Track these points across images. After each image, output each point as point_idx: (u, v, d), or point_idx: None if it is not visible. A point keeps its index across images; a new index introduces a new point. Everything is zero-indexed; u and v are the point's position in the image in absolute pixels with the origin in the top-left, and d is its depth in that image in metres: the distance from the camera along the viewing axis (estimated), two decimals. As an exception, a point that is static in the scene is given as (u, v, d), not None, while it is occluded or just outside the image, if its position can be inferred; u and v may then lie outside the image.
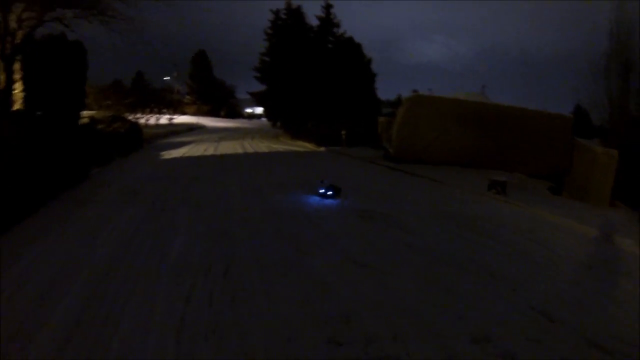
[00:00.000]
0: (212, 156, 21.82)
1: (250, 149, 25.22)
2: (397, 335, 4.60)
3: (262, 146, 27.14)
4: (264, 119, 58.32)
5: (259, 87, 38.03)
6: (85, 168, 15.88)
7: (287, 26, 35.77)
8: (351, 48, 34.56)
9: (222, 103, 76.71)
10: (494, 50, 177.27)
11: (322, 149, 25.07)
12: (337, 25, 35.67)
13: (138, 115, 45.08)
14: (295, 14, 36.13)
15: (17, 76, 18.66)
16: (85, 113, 28.09)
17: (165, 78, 67.96)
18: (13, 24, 18.60)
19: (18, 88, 18.70)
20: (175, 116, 53.99)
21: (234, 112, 77.33)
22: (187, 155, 22.45)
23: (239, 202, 10.99)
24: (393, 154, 19.01)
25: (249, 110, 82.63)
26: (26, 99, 17.89)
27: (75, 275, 6.05)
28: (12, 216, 9.00)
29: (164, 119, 50.91)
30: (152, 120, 48.72)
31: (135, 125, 28.56)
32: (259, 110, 71.96)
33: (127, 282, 5.90)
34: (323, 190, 11.52)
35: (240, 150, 24.49)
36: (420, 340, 4.56)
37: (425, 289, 5.93)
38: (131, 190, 12.63)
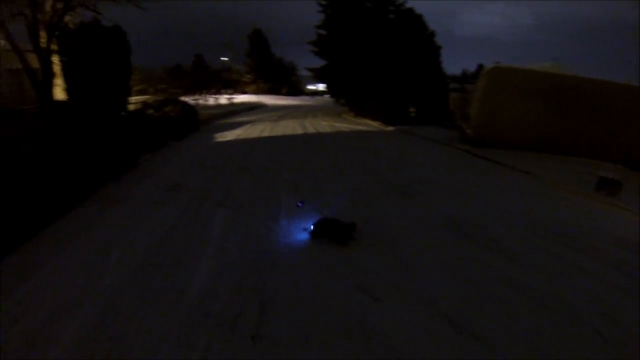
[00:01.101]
0: (269, 138, 20.05)
1: (310, 129, 23.29)
2: None
3: (324, 125, 25.13)
4: (326, 96, 56.80)
5: (319, 63, 35.88)
6: (133, 156, 14.90)
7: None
8: (412, 19, 31.94)
9: (283, 80, 75.27)
10: (554, 19, 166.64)
11: (390, 128, 22.77)
12: None
13: (195, 97, 44.85)
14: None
15: (57, 67, 18.38)
16: (137, 98, 27.38)
17: (222, 59, 66.91)
18: (46, 16, 18.35)
19: (59, 79, 18.44)
20: (235, 96, 53.03)
21: (296, 89, 75.74)
22: (241, 137, 20.79)
23: (288, 203, 9.03)
24: (471, 135, 16.52)
25: (311, 87, 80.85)
26: (67, 89, 17.46)
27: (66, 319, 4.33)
28: (39, 219, 7.91)
29: (223, 99, 50.21)
30: (212, 100, 48.21)
31: (189, 107, 27.30)
32: (322, 86, 70.48)
33: (121, 337, 4.12)
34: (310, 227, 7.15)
35: (299, 131, 22.59)
36: None
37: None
38: (171, 184, 11.11)
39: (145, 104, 23.96)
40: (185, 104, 27.37)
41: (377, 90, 29.80)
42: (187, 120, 23.93)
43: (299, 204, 8.70)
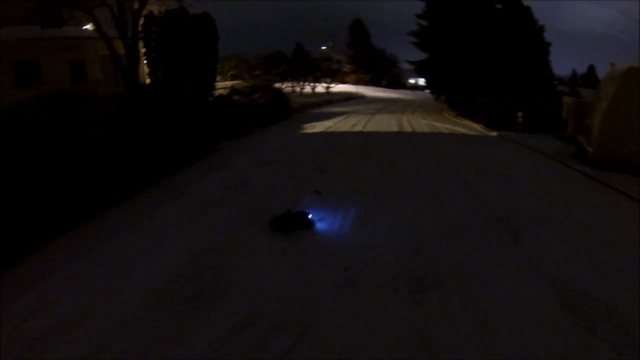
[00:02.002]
0: (359, 134, 18.55)
1: (407, 127, 21.49)
2: None
3: (422, 124, 23.20)
4: (427, 91, 54.88)
5: (421, 56, 33.70)
6: (212, 143, 14.55)
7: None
8: (520, 11, 29.09)
9: (384, 72, 73.46)
10: None
11: (493, 133, 20.42)
12: None
13: (292, 84, 44.25)
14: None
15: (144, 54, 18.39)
16: (227, 84, 26.97)
17: (322, 48, 66.16)
18: (134, 3, 18.60)
19: (145, 65, 18.52)
20: (333, 85, 52.19)
21: (396, 82, 73.56)
22: (330, 130, 19.48)
23: (365, 224, 7.49)
24: (592, 154, 13.99)
25: (412, 80, 78.39)
26: (152, 74, 17.66)
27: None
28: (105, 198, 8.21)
29: (321, 88, 49.42)
30: (309, 88, 47.45)
31: (280, 94, 26.55)
32: (422, 81, 68.32)
33: None
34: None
35: (394, 128, 20.87)
36: None
37: None
38: (238, 181, 10.19)
39: (233, 90, 23.38)
40: (276, 90, 26.58)
41: (481, 89, 27.43)
42: (276, 107, 23.42)
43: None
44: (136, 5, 18.25)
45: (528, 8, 29.32)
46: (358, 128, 20.34)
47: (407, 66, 56.78)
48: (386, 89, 65.10)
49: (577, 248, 6.64)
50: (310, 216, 7.37)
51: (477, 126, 22.84)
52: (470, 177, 10.77)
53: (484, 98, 25.13)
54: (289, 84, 44.65)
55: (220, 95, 21.82)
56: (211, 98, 18.85)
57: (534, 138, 18.52)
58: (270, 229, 7.00)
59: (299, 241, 6.52)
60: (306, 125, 21.13)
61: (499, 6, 29.66)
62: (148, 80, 18.94)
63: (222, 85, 26.48)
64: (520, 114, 20.74)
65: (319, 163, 12.05)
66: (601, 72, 67.98)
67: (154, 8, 18.27)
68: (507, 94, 25.34)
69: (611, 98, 13.64)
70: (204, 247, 6.25)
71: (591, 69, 71.98)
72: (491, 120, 21.95)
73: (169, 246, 6.26)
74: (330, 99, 41.09)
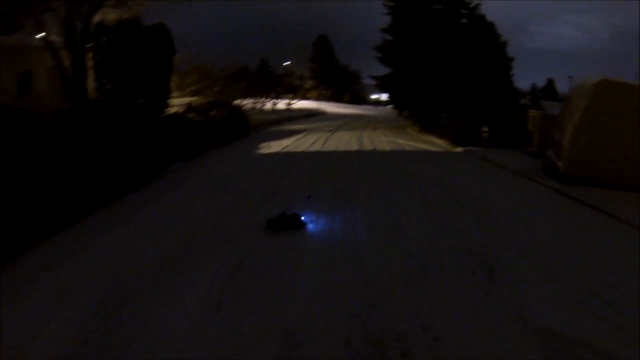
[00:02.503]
0: (317, 153, 17.46)
1: (368, 145, 20.49)
2: None
3: (384, 141, 22.23)
4: (390, 107, 54.47)
5: (384, 71, 32.96)
6: (161, 165, 13.09)
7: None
8: (484, 27, 28.80)
9: (346, 88, 73.03)
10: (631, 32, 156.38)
11: (459, 149, 19.61)
12: None
13: (254, 100, 43.04)
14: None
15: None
16: (183, 100, 25.70)
17: (285, 63, 65.31)
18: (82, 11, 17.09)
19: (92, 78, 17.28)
20: (294, 101, 51.34)
21: (359, 98, 73.31)
22: (287, 150, 18.36)
23: (310, 273, 6.29)
24: (563, 168, 13.17)
25: (374, 96, 78.10)
26: (99, 89, 16.41)
27: None
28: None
29: (282, 104, 48.46)
30: (269, 105, 46.39)
31: (238, 111, 25.40)
32: (385, 97, 68.06)
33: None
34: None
35: (354, 146, 19.84)
36: None
37: None
38: (178, 210, 9.04)
39: (189, 107, 22.15)
40: (234, 108, 25.41)
41: (445, 104, 26.74)
42: (234, 125, 22.22)
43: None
44: (84, 13, 17.00)
45: (492, 24, 29.01)
46: (316, 147, 19.27)
47: (370, 82, 56.29)
48: (348, 105, 64.75)
49: (561, 284, 5.64)
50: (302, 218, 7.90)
51: (441, 142, 22.04)
52: (437, 202, 9.72)
53: (448, 113, 24.43)
54: (251, 101, 43.64)
55: (175, 113, 20.60)
56: (165, 115, 17.66)
57: (500, 153, 17.77)
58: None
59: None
60: (263, 145, 19.98)
61: (464, 20, 29.23)
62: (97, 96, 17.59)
63: (179, 102, 25.12)
64: (485, 128, 19.99)
65: (271, 188, 10.87)
66: (560, 86, 69.67)
67: (112, 16, 17.01)
68: (471, 108, 24.70)
69: (582, 111, 12.90)
70: (108, 307, 4.97)
71: (550, 82, 73.27)
72: (456, 136, 21.17)
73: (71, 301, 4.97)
74: (291, 115, 40.13)
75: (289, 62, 70.74)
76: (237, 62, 44.26)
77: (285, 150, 18.35)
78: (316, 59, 74.48)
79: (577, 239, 7.65)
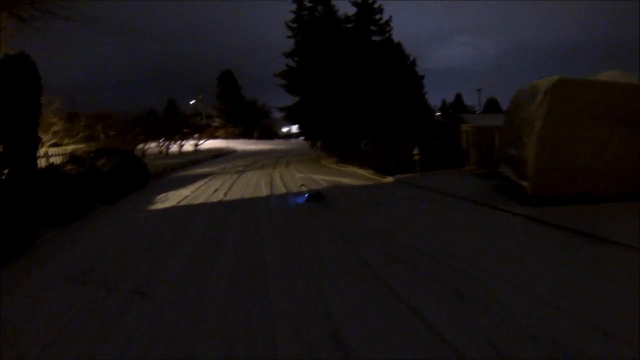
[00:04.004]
0: (218, 205, 13.89)
1: (279, 186, 17.07)
2: None
3: (298, 178, 18.88)
4: (301, 138, 52.58)
5: (291, 100, 30.06)
6: (23, 237, 9.89)
7: (316, 17, 27.82)
8: (392, 47, 27.28)
9: (255, 124, 70.22)
10: (518, 47, 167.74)
11: (389, 179, 16.63)
12: (380, 11, 27.75)
13: (153, 145, 39.67)
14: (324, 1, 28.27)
15: None
16: (66, 149, 21.90)
17: (190, 102, 61.96)
18: None
19: None
20: (202, 141, 48.07)
21: (269, 132, 70.60)
22: (185, 202, 14.84)
23: None
24: (531, 188, 10.47)
25: (284, 129, 75.80)
26: None
27: None
28: None
29: (189, 146, 45.14)
30: (175, 147, 43.07)
31: (133, 158, 21.69)
32: (296, 128, 66.23)
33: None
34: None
35: (264, 190, 16.32)
36: None
37: None
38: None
39: (72, 156, 18.26)
40: (127, 154, 21.53)
41: (360, 130, 24.11)
42: (128, 175, 18.54)
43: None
44: None
45: (399, 44, 27.22)
46: (219, 195, 15.66)
47: (279, 115, 54.17)
48: (258, 141, 62.15)
49: None
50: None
51: (365, 172, 19.08)
52: (387, 271, 6.43)
53: (367, 138, 21.74)
54: (155, 144, 40.01)
55: (51, 166, 16.67)
56: (33, 170, 13.53)
57: (440, 178, 15.04)
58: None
59: None
60: (159, 197, 16.31)
61: (375, 38, 27.05)
62: None
63: (59, 152, 21.12)
64: (416, 151, 17.25)
65: (146, 273, 7.39)
66: (468, 100, 70.23)
67: None
68: (391, 130, 22.24)
69: (543, 117, 10.29)
70: None
71: (458, 97, 73.54)
72: (381, 163, 18.29)
73: None
74: (197, 158, 36.59)
75: (194, 101, 67.57)
76: (142, 106, 40.58)
77: (182, 203, 14.76)
78: (222, 96, 71.79)
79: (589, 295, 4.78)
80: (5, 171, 12.52)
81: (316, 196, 13.20)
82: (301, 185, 14.43)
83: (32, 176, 13.15)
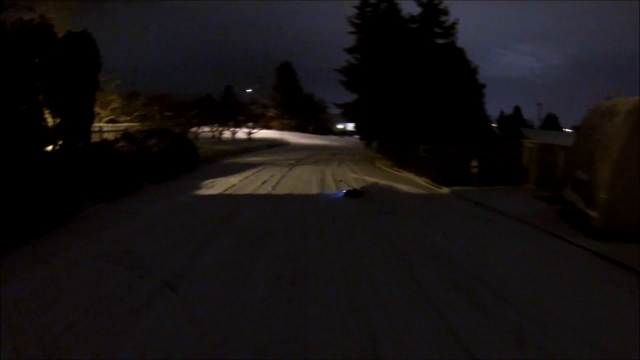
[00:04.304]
0: (267, 198, 13.56)
1: (331, 184, 16.59)
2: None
3: (351, 179, 18.30)
4: (356, 137, 51.75)
5: (350, 97, 29.30)
6: (68, 207, 10.20)
7: (379, 15, 26.96)
8: (454, 51, 26.17)
9: (311, 118, 69.89)
10: (584, 58, 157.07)
11: (444, 190, 15.87)
12: (445, 13, 26.57)
13: (207, 129, 39.81)
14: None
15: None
16: (121, 126, 22.16)
17: (247, 90, 61.94)
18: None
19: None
20: (255, 130, 47.94)
21: (324, 128, 70.15)
22: (231, 191, 14.61)
23: None
24: (601, 219, 9.55)
25: (340, 126, 75.12)
26: None
27: None
28: None
29: (242, 133, 45.12)
30: (228, 134, 43.12)
31: (184, 141, 21.68)
32: (350, 126, 65.48)
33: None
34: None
35: (314, 187, 15.91)
36: None
37: None
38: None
39: (125, 134, 18.39)
40: (178, 136, 21.57)
41: (420, 134, 23.24)
42: (177, 157, 18.64)
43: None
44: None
45: (462, 49, 26.32)
46: (267, 188, 15.34)
47: (335, 111, 53.53)
48: (312, 135, 61.78)
49: None
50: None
51: (420, 180, 18.33)
52: (440, 300, 5.80)
53: (427, 144, 20.93)
54: (208, 129, 40.36)
55: (102, 142, 16.93)
56: (84, 145, 13.72)
57: (497, 195, 14.22)
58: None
59: None
60: (206, 183, 16.18)
61: (440, 41, 26.09)
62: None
63: (113, 128, 21.40)
64: (474, 163, 16.43)
65: (183, 263, 7.01)
66: (526, 113, 67.88)
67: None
68: (448, 140, 21.35)
69: (623, 141, 9.40)
70: None
71: (517, 110, 71.11)
72: (438, 173, 17.49)
73: None
74: (250, 146, 36.58)
75: (250, 90, 67.76)
76: (200, 91, 40.73)
77: (228, 191, 14.50)
78: (280, 87, 71.78)
79: None
80: (59, 142, 12.62)
81: (359, 194, 14.23)
82: (353, 190, 14.52)
83: (85, 149, 13.24)
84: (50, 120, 12.50)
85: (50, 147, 12.32)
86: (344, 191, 14.34)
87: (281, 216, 10.98)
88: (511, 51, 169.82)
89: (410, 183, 17.61)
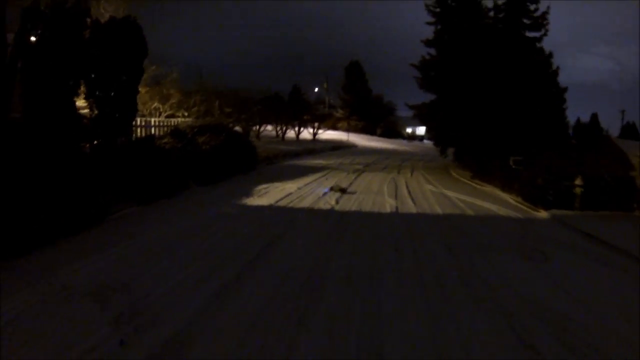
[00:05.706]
0: (327, 217, 11.10)
1: (406, 199, 14.09)
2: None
3: (429, 192, 15.74)
4: (426, 142, 48.81)
5: (424, 98, 26.74)
6: (98, 209, 9.18)
7: (462, 2, 24.23)
8: (535, 50, 23.24)
9: (379, 120, 67.53)
10: None
11: (543, 214, 13.09)
12: (535, 0, 23.32)
13: (270, 127, 38.41)
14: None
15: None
16: (171, 121, 20.80)
17: (315, 89, 60.32)
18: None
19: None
20: (321, 131, 46.09)
21: (393, 131, 67.67)
22: (284, 203, 12.54)
23: None
24: None
25: (409, 129, 72.40)
26: (26, 101, 10.22)
27: None
28: None
29: (307, 133, 43.37)
30: (292, 133, 41.47)
31: (240, 139, 19.94)
32: (421, 130, 62.77)
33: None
34: None
35: (387, 203, 13.32)
36: None
37: None
38: None
39: (173, 130, 16.84)
40: (234, 134, 19.79)
41: (505, 143, 20.48)
42: (232, 156, 17.12)
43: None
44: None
45: (542, 48, 23.36)
46: (330, 201, 13.00)
47: (404, 114, 51.26)
48: (380, 138, 59.48)
49: None
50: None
51: (508, 197, 15.56)
52: None
53: (518, 156, 18.11)
54: (271, 127, 39.27)
55: (147, 137, 15.58)
56: (125, 140, 12.19)
57: (612, 225, 11.44)
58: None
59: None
60: (259, 189, 14.28)
61: (530, 34, 23.11)
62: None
63: (163, 122, 19.98)
64: (578, 181, 13.66)
65: (189, 323, 4.82)
66: (605, 120, 63.14)
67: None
68: (535, 148, 18.62)
69: None
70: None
71: (594, 117, 66.17)
72: (533, 190, 14.68)
73: None
74: (314, 147, 34.69)
75: (318, 89, 66.18)
76: (267, 89, 39.25)
77: (282, 202, 12.38)
78: (348, 87, 69.95)
79: None
80: (95, 142, 11.21)
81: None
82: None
83: (125, 146, 11.81)
84: (87, 113, 11.14)
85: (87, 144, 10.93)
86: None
87: (343, 249, 8.35)
88: (587, 54, 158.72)
89: (498, 201, 14.80)
